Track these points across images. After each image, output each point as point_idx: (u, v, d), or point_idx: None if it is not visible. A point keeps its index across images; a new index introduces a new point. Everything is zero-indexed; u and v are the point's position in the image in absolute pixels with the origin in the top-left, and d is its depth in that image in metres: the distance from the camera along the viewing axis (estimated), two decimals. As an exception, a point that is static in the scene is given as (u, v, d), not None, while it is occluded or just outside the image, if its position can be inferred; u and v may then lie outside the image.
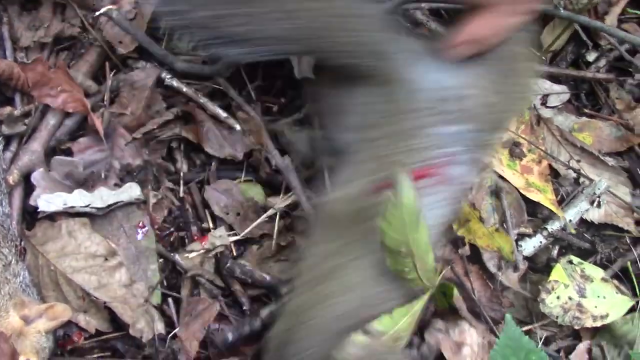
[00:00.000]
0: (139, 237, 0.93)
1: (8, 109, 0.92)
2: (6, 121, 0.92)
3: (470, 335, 0.88)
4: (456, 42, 0.78)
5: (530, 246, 0.94)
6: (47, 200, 0.90)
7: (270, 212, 0.96)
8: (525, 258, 0.94)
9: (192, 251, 0.93)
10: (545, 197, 0.95)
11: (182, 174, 0.98)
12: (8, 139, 0.93)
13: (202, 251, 0.94)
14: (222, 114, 0.97)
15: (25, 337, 0.79)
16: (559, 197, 0.98)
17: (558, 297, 0.89)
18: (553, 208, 0.95)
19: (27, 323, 0.80)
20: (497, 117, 0.82)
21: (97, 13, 0.95)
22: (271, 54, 0.80)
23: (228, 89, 0.97)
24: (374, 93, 0.82)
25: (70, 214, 0.90)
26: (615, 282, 0.92)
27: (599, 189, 0.96)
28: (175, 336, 0.89)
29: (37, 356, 0.79)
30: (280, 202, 0.96)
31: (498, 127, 0.84)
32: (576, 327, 0.88)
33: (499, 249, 0.92)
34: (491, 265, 0.92)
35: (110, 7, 0.94)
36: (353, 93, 0.84)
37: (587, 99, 1.05)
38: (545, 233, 0.95)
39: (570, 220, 0.94)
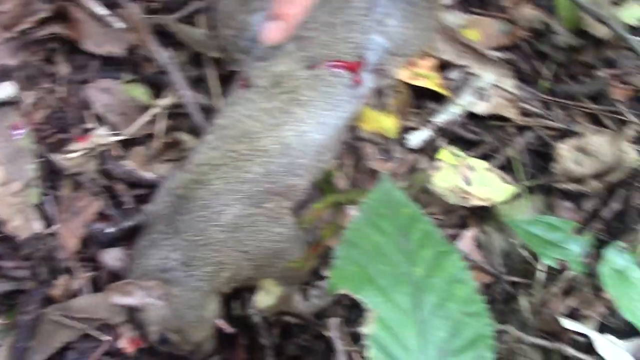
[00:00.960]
0: (16, 137, 0.90)
1: None
2: None
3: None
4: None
5: (417, 138, 0.95)
6: None
7: (153, 110, 0.93)
8: (412, 150, 0.94)
9: (73, 151, 0.91)
10: (432, 82, 0.95)
11: (61, 74, 0.95)
12: None
13: (83, 151, 0.91)
14: (101, 10, 0.94)
15: None
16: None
17: (446, 181, 0.89)
18: (440, 90, 0.95)
19: None
20: (407, 44, 0.88)
21: None
22: None
23: (107, -15, 0.95)
24: None
25: (-60, 112, 0.87)
26: (500, 171, 0.93)
27: (485, 82, 0.97)
28: (54, 235, 0.87)
29: None
30: (163, 101, 0.93)
31: (406, 54, 0.89)
32: (465, 206, 0.89)
33: (383, 130, 0.92)
34: (374, 153, 0.93)
35: None
36: None
37: (475, -1, 1.05)
38: (431, 126, 0.95)
39: (459, 104, 0.95)
